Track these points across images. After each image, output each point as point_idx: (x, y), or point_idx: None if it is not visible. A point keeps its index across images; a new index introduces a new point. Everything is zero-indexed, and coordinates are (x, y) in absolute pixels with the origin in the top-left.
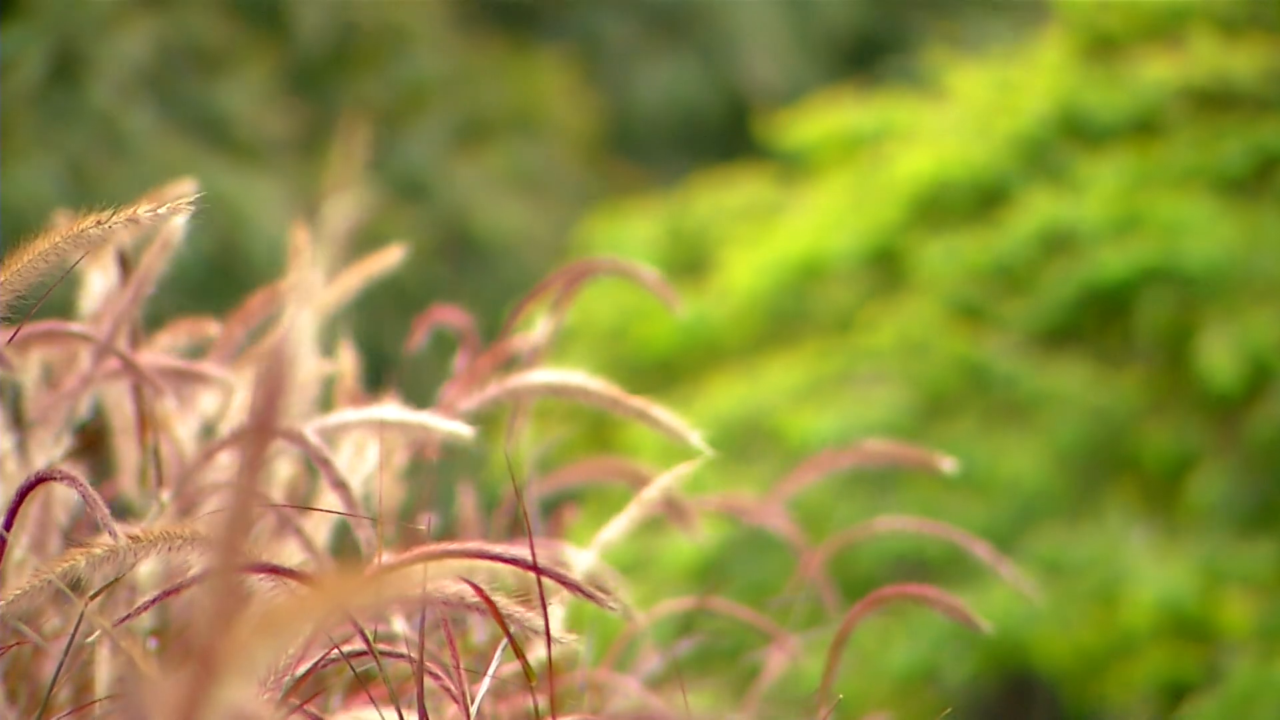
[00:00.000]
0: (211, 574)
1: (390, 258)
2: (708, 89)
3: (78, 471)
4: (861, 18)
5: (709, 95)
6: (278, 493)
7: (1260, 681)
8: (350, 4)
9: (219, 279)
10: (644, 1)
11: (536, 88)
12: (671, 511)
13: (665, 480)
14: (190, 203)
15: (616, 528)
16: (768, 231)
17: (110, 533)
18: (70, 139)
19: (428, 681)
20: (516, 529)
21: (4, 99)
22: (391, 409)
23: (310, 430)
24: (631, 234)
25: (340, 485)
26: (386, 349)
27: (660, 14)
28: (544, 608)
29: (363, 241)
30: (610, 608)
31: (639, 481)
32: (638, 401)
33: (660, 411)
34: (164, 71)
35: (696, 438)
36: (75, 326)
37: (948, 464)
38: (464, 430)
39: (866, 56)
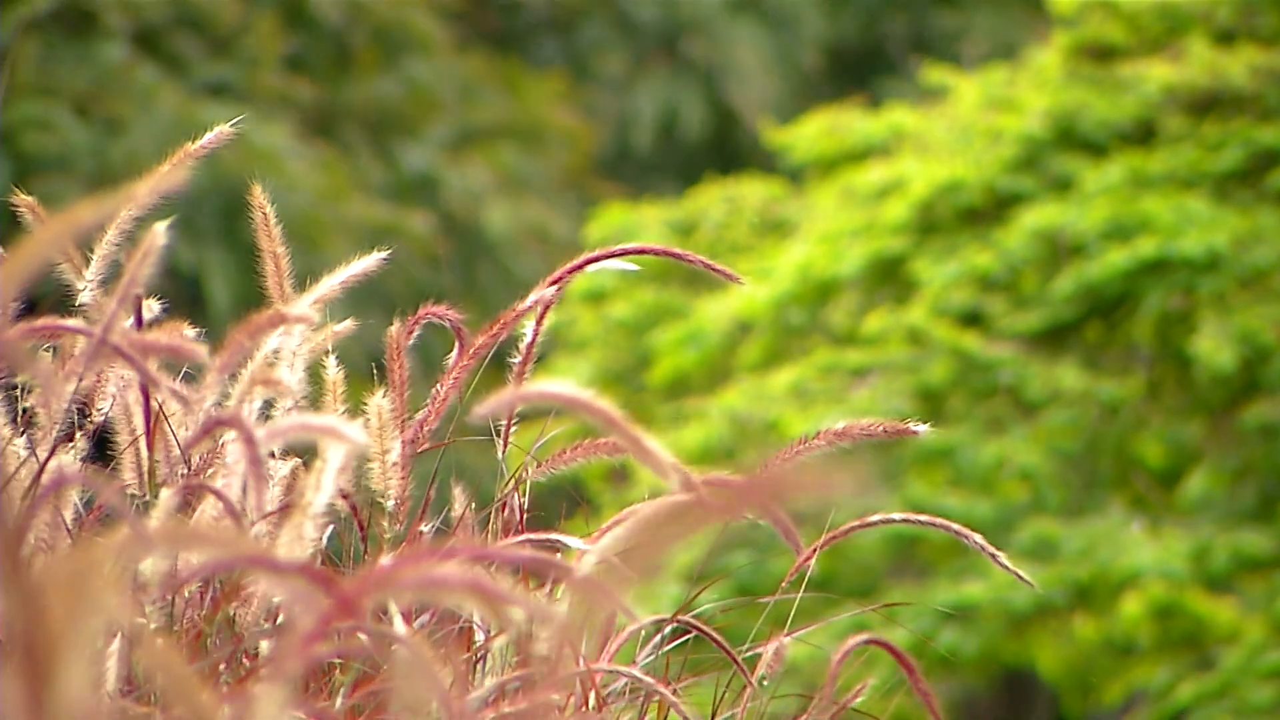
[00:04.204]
0: (212, 571)
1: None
2: (700, 112)
3: (89, 471)
4: (850, 34)
5: (702, 119)
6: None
7: (1246, 666)
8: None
9: (241, 215)
10: (639, 26)
11: (533, 104)
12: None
13: (679, 499)
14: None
15: (624, 534)
16: (775, 249)
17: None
18: (76, 81)
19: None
20: (519, 527)
21: (10, 35)
22: (310, 417)
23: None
24: (640, 231)
25: (249, 439)
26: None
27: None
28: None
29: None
30: (620, 607)
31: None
32: (633, 430)
33: (652, 444)
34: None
35: (675, 479)
36: (71, 321)
37: (922, 429)
38: (359, 438)
39: (857, 74)
